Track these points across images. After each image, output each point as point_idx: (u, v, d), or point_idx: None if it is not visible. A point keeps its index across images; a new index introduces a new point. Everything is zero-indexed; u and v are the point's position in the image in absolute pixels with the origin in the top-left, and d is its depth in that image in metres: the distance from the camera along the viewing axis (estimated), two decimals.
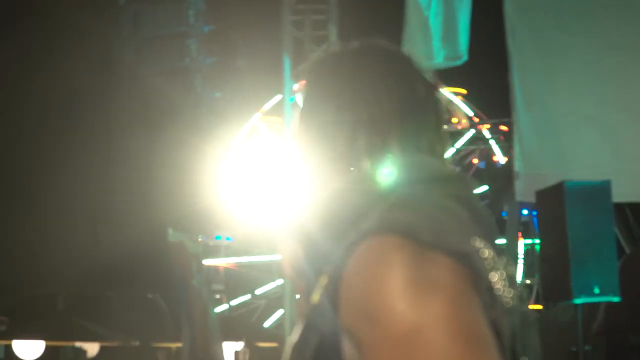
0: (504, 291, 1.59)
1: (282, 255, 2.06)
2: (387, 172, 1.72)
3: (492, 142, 21.71)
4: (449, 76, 21.48)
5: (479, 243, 1.59)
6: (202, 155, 14.46)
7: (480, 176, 21.91)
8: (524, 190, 14.16)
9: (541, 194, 8.87)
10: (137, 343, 20.75)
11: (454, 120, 22.55)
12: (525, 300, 1.74)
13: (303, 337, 1.67)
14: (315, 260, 1.75)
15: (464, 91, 21.89)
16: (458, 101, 21.85)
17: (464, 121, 22.13)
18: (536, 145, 14.08)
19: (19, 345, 19.38)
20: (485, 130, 21.57)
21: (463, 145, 22.60)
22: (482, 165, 22.20)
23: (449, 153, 1.92)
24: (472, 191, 1.79)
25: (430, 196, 1.67)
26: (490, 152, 21.64)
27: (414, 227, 1.53)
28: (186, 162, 14.13)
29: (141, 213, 14.85)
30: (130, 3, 14.82)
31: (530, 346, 1.72)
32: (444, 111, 1.91)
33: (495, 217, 16.96)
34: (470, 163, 22.87)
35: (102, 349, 20.33)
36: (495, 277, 1.58)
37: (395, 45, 1.96)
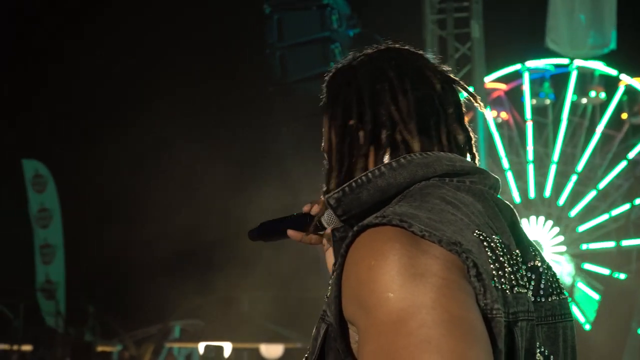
0: (505, 279, 1.68)
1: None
2: (404, 168, 1.85)
3: None
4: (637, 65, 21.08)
5: (481, 234, 1.71)
6: None
7: None
8: None
9: None
10: None
11: None
12: (558, 292, 1.89)
13: (316, 327, 1.82)
14: (337, 253, 1.84)
15: None
16: None
17: None
18: None
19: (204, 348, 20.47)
20: None
21: None
22: None
23: (471, 142, 2.04)
24: (491, 185, 1.93)
25: (439, 190, 1.80)
26: None
27: (409, 219, 1.64)
28: None
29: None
30: (275, 11, 15.49)
31: (555, 338, 1.85)
32: (465, 105, 2.07)
33: None
34: None
35: (286, 350, 21.16)
36: (493, 266, 1.67)
37: (410, 46, 2.11)
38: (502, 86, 23.14)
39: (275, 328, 21.08)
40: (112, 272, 22.87)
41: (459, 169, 1.88)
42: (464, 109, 2.06)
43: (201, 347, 20.51)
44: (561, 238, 22.43)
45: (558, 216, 22.76)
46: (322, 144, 2.08)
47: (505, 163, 22.71)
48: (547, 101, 22.97)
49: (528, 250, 1.85)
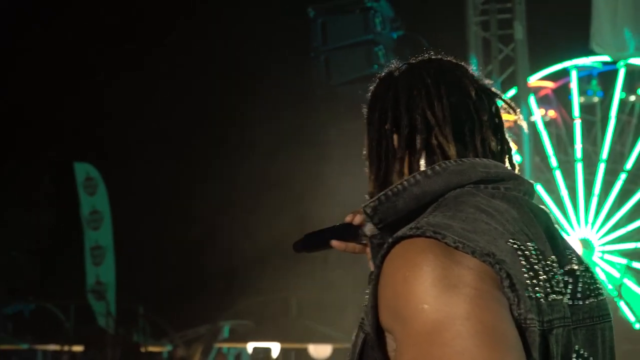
0: (539, 287, 1.71)
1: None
2: (439, 176, 1.89)
3: None
4: None
5: (515, 242, 1.74)
6: None
7: None
8: None
9: None
10: None
11: None
12: (596, 294, 1.91)
13: (356, 334, 1.88)
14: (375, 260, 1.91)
15: None
16: None
17: None
18: None
19: (252, 349, 20.76)
20: None
21: None
22: None
23: (510, 150, 2.07)
24: (526, 191, 1.96)
25: (474, 198, 1.84)
26: None
27: (443, 230, 1.69)
28: None
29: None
30: (319, 15, 15.75)
31: (593, 340, 1.87)
32: (501, 113, 2.09)
33: None
34: None
35: (334, 350, 21.32)
36: (527, 275, 1.71)
37: (450, 58, 2.15)
38: (550, 84, 23.16)
39: (323, 328, 21.17)
40: (161, 273, 23.20)
41: (493, 176, 1.91)
42: (502, 119, 2.08)
43: (250, 347, 20.78)
44: (610, 236, 22.46)
45: (607, 214, 22.77)
46: (364, 151, 2.13)
47: (553, 161, 22.74)
48: (595, 99, 22.90)
49: (564, 253, 1.88)
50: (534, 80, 20.41)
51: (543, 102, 23.08)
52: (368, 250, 2.17)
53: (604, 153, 22.89)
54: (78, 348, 22.74)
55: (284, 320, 21.43)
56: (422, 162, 1.95)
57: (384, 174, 2.00)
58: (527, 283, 1.68)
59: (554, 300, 1.72)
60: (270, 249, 19.43)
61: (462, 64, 2.12)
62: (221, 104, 20.94)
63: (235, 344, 24.02)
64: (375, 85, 2.15)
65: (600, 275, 21.95)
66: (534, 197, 1.98)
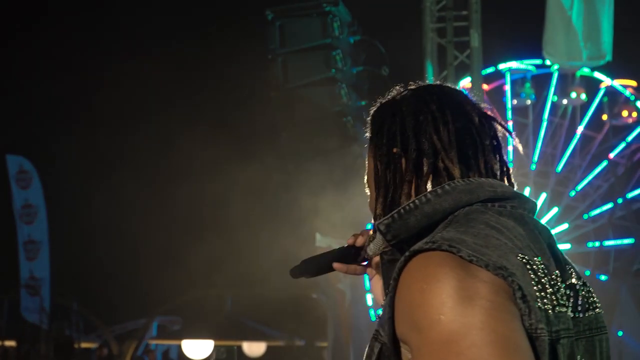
0: (547, 300, 1.83)
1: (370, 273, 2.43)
2: (449, 195, 2.00)
3: None
4: (620, 68, 21.98)
5: (524, 257, 1.85)
6: (349, 162, 15.63)
7: None
8: None
9: None
10: (302, 343, 22.15)
11: (624, 113, 22.98)
12: (594, 307, 2.04)
13: (370, 346, 1.97)
14: (387, 276, 2.06)
15: (634, 83, 22.21)
16: (628, 94, 22.26)
17: (635, 114, 22.54)
18: None
19: (188, 345, 21.13)
20: None
21: (633, 139, 22.96)
22: None
23: (509, 171, 2.20)
24: (530, 209, 2.09)
25: (483, 215, 1.96)
26: None
27: (458, 245, 1.80)
28: (333, 169, 15.38)
29: (293, 221, 15.86)
30: (277, 18, 16.24)
31: (593, 350, 2.00)
32: (499, 135, 2.21)
33: None
34: None
35: (268, 348, 21.83)
36: (536, 287, 1.82)
37: (451, 85, 2.28)
38: (484, 86, 23.83)
39: (257, 326, 21.58)
40: (95, 269, 23.37)
41: (500, 195, 2.04)
42: (499, 141, 2.21)
43: (184, 344, 21.03)
44: None
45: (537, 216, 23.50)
46: (365, 176, 2.25)
47: None
48: (528, 102, 23.54)
49: (565, 269, 2.01)
50: (466, 82, 20.98)
51: None
52: (369, 270, 2.42)
53: (535, 155, 23.75)
54: (10, 343, 22.76)
55: (218, 317, 21.75)
56: (429, 184, 2.07)
57: (392, 196, 2.12)
58: (536, 295, 1.81)
59: (559, 312, 1.86)
60: (203, 244, 19.79)
61: (462, 90, 2.28)
62: (168, 102, 21.22)
63: (164, 341, 24.27)
64: (378, 110, 2.27)
65: None
66: (535, 214, 2.11)
